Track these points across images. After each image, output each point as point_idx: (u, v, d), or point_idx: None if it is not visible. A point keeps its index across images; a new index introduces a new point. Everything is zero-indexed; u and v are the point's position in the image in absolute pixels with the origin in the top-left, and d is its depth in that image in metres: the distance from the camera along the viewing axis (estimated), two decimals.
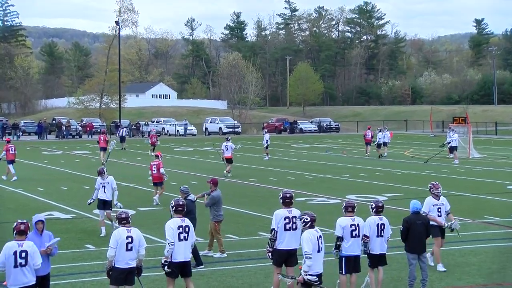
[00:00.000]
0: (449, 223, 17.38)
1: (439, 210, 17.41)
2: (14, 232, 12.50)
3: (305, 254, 12.99)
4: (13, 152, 38.38)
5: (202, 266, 17.64)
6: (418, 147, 64.17)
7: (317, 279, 13.11)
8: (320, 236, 13.30)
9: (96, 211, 26.50)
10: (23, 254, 12.30)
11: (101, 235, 21.56)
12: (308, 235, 13.13)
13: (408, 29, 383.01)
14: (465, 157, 50.23)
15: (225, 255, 19.03)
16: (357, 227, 14.79)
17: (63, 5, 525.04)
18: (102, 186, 22.52)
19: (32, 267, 12.42)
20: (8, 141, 41.05)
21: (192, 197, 18.66)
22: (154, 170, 28.64)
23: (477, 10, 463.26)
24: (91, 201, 22.77)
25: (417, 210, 15.76)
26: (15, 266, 12.26)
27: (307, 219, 13.34)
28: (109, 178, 22.67)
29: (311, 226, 13.31)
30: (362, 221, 14.99)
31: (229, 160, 40.49)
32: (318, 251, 13.19)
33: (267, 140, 51.11)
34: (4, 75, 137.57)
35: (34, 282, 12.50)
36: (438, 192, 17.50)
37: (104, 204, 22.45)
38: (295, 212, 14.96)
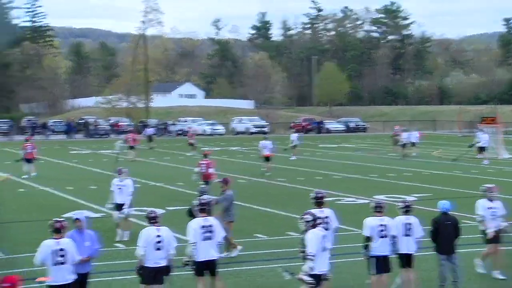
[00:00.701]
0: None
1: (494, 213, 16.86)
2: (51, 230, 12.62)
3: (308, 255, 12.89)
4: (30, 151, 39.16)
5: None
6: (446, 147, 63.80)
7: (313, 281, 12.94)
8: (325, 236, 13.22)
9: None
10: (61, 252, 12.42)
11: (124, 239, 21.11)
12: (312, 235, 13.02)
13: (435, 28, 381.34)
14: (494, 157, 49.78)
15: (240, 247, 19.10)
16: (385, 227, 14.74)
17: (89, 4, 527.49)
18: (119, 188, 21.61)
19: (71, 264, 12.54)
20: (27, 140, 41.63)
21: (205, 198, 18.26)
22: (204, 169, 28.93)
23: (506, 8, 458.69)
24: (111, 206, 22.14)
25: (446, 210, 15.64)
26: (54, 264, 12.40)
27: (309, 218, 13.25)
28: (127, 181, 21.74)
29: (314, 226, 13.22)
30: (391, 221, 14.95)
31: (267, 159, 40.91)
32: (323, 250, 13.09)
33: (293, 140, 51.08)
34: (33, 75, 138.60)
35: (73, 279, 12.61)
36: (494, 195, 17.15)
37: (122, 206, 21.61)
38: (327, 212, 14.95)
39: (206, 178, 28.92)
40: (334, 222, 15.15)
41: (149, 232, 13.59)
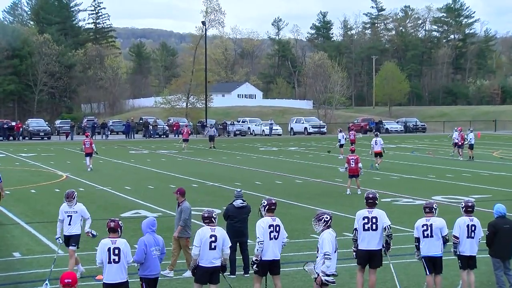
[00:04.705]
0: None
1: None
2: (107, 230, 12.85)
3: (325, 254, 12.93)
4: (88, 146, 42.66)
5: (234, 277, 16.84)
6: (507, 148, 62.84)
7: (334, 280, 13.10)
8: (336, 237, 13.29)
9: None
10: (116, 251, 12.69)
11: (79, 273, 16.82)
12: (329, 235, 13.11)
13: (500, 26, 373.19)
14: None
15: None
16: (429, 227, 14.70)
17: (150, 5, 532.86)
18: (68, 216, 17.05)
19: (125, 264, 12.78)
20: (87, 136, 45.42)
21: (237, 202, 17.25)
22: (352, 164, 31.23)
23: None
24: (59, 240, 17.24)
25: (501, 214, 15.34)
26: (109, 262, 12.66)
27: (327, 218, 13.28)
28: (77, 206, 17.16)
29: (329, 226, 13.27)
30: (439, 221, 14.82)
31: (378, 154, 43.35)
32: (335, 251, 13.20)
33: (339, 139, 53.60)
34: (95, 75, 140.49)
35: (126, 280, 12.83)
36: None
37: (69, 240, 17.07)
38: (376, 213, 14.85)
39: (354, 172, 31.26)
40: (381, 223, 14.88)
41: (204, 232, 13.67)
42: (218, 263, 13.67)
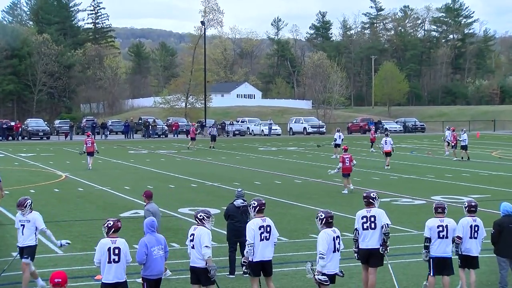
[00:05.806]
0: None
1: None
2: (109, 230, 12.77)
3: (319, 254, 12.93)
4: (90, 145, 43.36)
5: (233, 276, 17.00)
6: (506, 147, 62.81)
7: (327, 279, 13.03)
8: (338, 236, 13.21)
9: (182, 209, 26.84)
10: (116, 251, 12.64)
11: None
12: (324, 235, 13.06)
13: (499, 25, 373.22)
14: None
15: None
16: (444, 228, 14.58)
17: (149, 5, 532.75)
18: (21, 226, 15.68)
19: (124, 264, 12.76)
20: (88, 136, 46.18)
21: (238, 202, 17.15)
22: (347, 163, 31.40)
23: None
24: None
25: (508, 212, 15.30)
26: (109, 262, 12.61)
27: (321, 216, 13.25)
28: (31, 215, 15.69)
29: (328, 225, 13.20)
30: (453, 222, 14.78)
31: (388, 154, 44.07)
32: (335, 251, 13.12)
33: (335, 139, 53.32)
34: (94, 75, 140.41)
35: (124, 280, 12.79)
36: None
37: (22, 251, 15.72)
38: (375, 212, 14.83)
39: (348, 170, 31.57)
40: (380, 222, 14.84)
41: (188, 231, 13.69)
42: (199, 264, 13.43)
